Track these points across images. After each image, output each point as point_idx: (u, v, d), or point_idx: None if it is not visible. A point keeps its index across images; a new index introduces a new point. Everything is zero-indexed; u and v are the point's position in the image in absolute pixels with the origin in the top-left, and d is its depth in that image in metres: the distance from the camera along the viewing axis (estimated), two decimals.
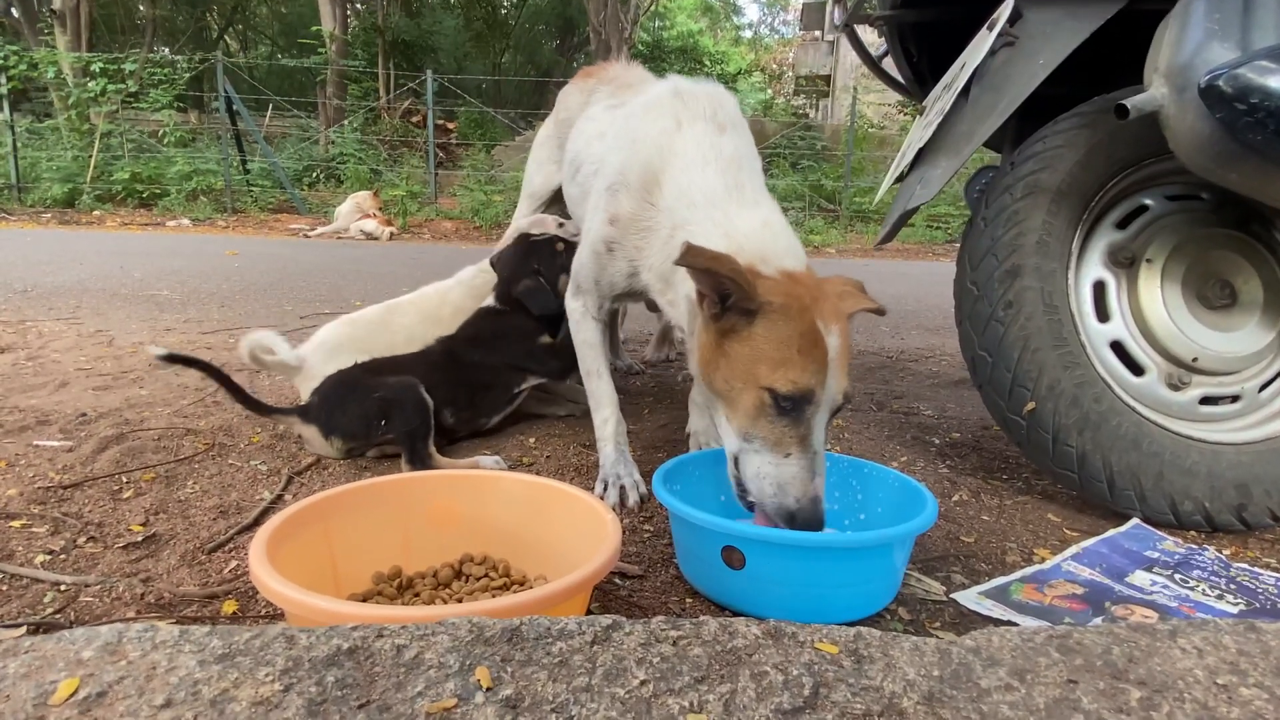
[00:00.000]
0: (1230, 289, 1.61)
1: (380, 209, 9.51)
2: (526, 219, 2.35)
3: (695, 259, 1.20)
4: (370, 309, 2.17)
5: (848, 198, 12.03)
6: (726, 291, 1.24)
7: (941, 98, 1.73)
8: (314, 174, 12.20)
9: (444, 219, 10.86)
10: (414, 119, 13.89)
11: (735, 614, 1.20)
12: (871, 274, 6.69)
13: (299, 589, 0.85)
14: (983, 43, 1.61)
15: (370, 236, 9.01)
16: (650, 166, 1.52)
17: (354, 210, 9.19)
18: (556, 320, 2.08)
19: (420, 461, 1.72)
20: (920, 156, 1.67)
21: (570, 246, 2.13)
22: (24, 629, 0.75)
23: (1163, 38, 1.37)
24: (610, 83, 2.14)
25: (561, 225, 2.24)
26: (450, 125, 14.15)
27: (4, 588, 1.19)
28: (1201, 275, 1.62)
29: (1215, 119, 1.25)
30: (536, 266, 2.07)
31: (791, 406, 1.22)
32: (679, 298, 1.50)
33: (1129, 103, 1.34)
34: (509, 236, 2.28)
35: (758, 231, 1.38)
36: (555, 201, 2.42)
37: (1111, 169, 1.63)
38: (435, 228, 10.42)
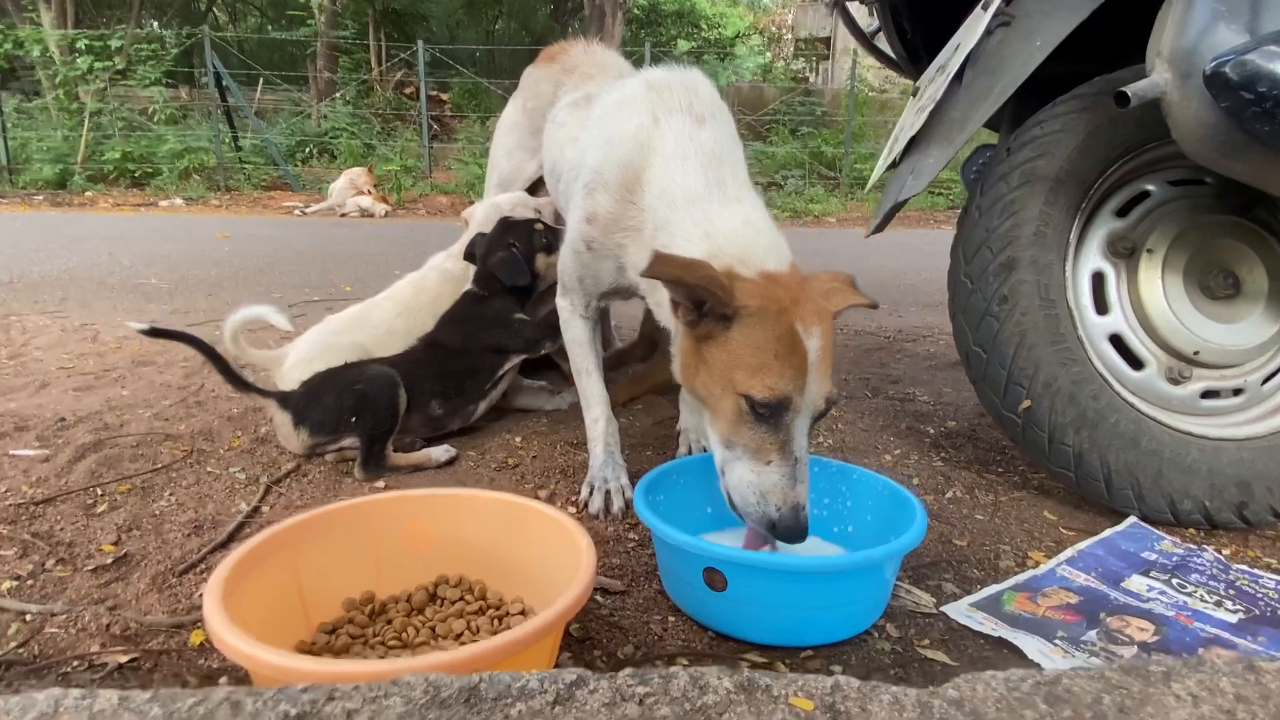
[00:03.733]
0: (1234, 279, 1.55)
1: (375, 185, 9.38)
2: (506, 198, 2.27)
3: (664, 269, 1.15)
4: (348, 309, 2.12)
5: (848, 165, 11.84)
6: (701, 299, 1.19)
7: (935, 80, 1.65)
8: (307, 149, 12.03)
9: (439, 193, 10.72)
10: (406, 90, 13.65)
11: (718, 635, 1.17)
12: (870, 245, 6.59)
13: (250, 641, 0.81)
14: (977, 23, 1.53)
15: (366, 213, 8.91)
16: (630, 165, 1.46)
17: (348, 186, 9.07)
18: (528, 293, 2.08)
19: (375, 462, 1.72)
20: (912, 144, 1.60)
21: (550, 228, 2.09)
22: None
23: (1166, 18, 1.29)
24: (573, 72, 2.06)
25: (539, 212, 2.18)
26: (444, 96, 13.91)
27: None
28: (1204, 265, 1.56)
29: (1220, 108, 1.18)
30: (512, 242, 2.05)
31: (770, 413, 1.18)
32: (664, 299, 1.45)
33: (1130, 90, 1.27)
34: (475, 222, 2.21)
35: (738, 231, 1.33)
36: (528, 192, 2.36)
37: (1112, 154, 1.56)
38: (430, 203, 10.29)
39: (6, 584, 1.25)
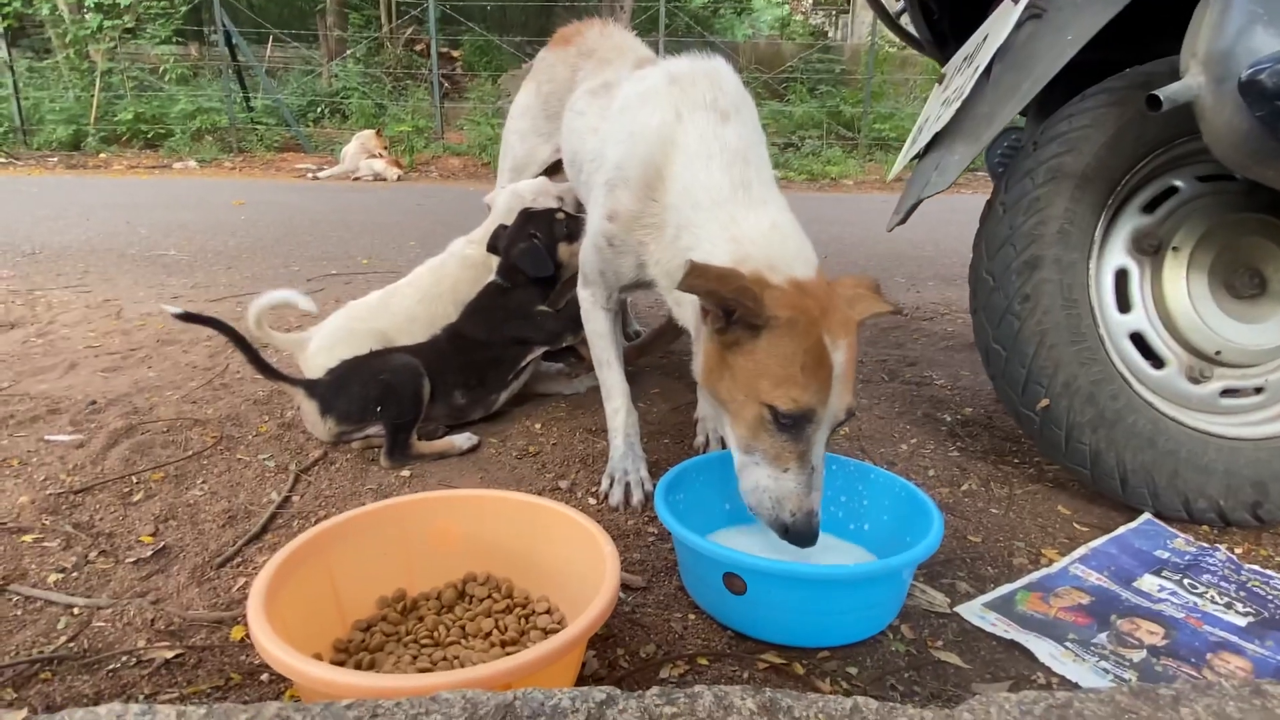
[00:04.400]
0: (1260, 278, 1.54)
1: (386, 148, 9.31)
2: (527, 186, 2.27)
3: (699, 281, 1.16)
4: (370, 295, 2.15)
5: (867, 124, 11.61)
6: (732, 308, 1.20)
7: (963, 71, 1.63)
8: (318, 109, 11.93)
9: (451, 155, 10.63)
10: (417, 48, 13.43)
11: (737, 634, 1.21)
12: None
13: (295, 655, 0.85)
14: (1008, 15, 1.50)
15: (379, 177, 8.88)
16: (651, 161, 1.46)
17: (359, 150, 9.02)
18: (552, 283, 2.09)
19: (400, 451, 1.76)
20: (938, 139, 1.58)
21: (572, 217, 2.09)
22: (25, 711, 0.76)
23: (1202, 19, 1.26)
24: (590, 56, 2.04)
25: (561, 200, 2.18)
26: (455, 54, 13.69)
27: (18, 612, 1.21)
28: (1230, 263, 1.54)
29: (1254, 116, 1.16)
30: (534, 233, 2.05)
31: (792, 424, 1.21)
32: (685, 298, 1.46)
33: (1162, 94, 1.25)
34: (497, 212, 2.21)
35: (766, 235, 1.33)
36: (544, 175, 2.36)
37: (1141, 150, 1.54)
38: (443, 165, 10.22)
39: (53, 577, 1.30)
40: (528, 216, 2.09)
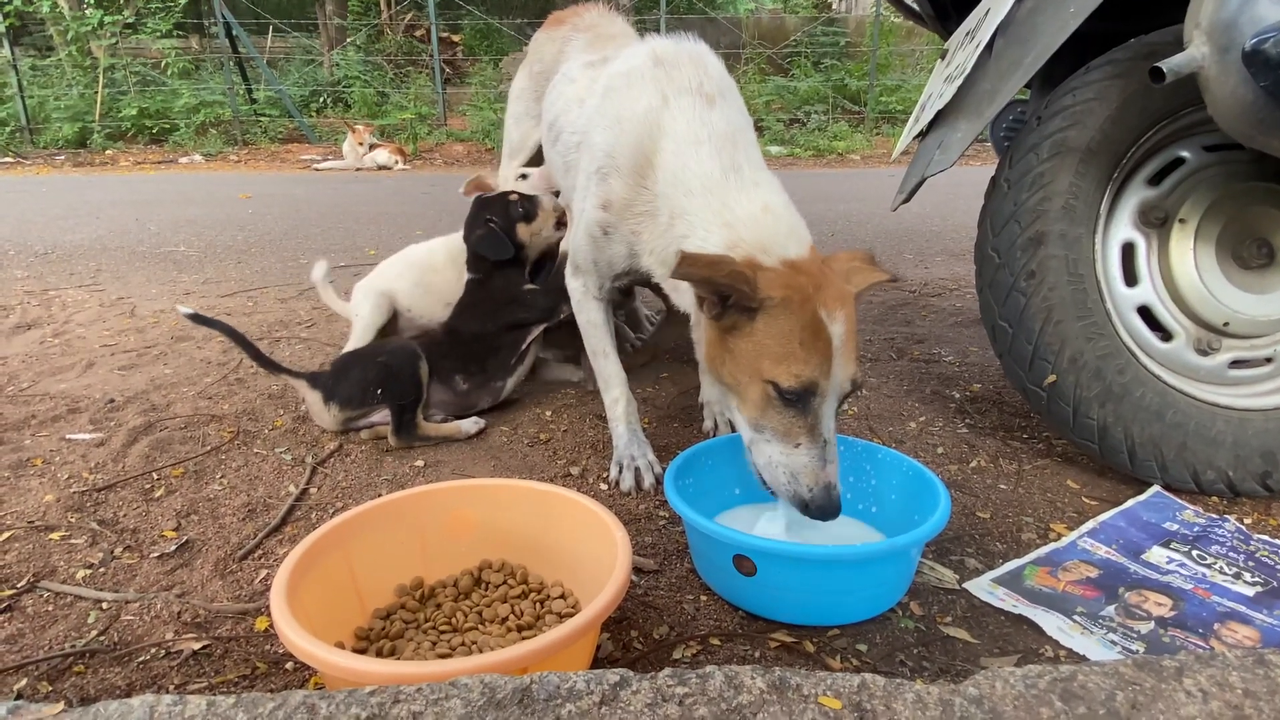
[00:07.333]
0: (1268, 248, 1.53)
1: (370, 133, 9.26)
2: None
3: (690, 270, 1.17)
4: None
5: (873, 98, 11.49)
6: (726, 293, 1.22)
7: (965, 47, 1.62)
8: (321, 99, 11.92)
9: (455, 141, 10.62)
10: (417, 34, 13.37)
11: (748, 615, 1.23)
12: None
13: (319, 645, 0.88)
14: None
15: (383, 167, 8.90)
16: (640, 148, 1.47)
17: (353, 148, 9.06)
18: (519, 264, 2.10)
19: (406, 430, 1.80)
20: (940, 116, 1.58)
21: (525, 197, 2.10)
22: (61, 705, 0.79)
23: None
24: (587, 31, 2.03)
25: (558, 195, 2.18)
26: (455, 38, 13.62)
27: (50, 607, 1.25)
28: (1237, 234, 1.53)
29: (1259, 86, 1.15)
30: (489, 218, 2.07)
31: (796, 398, 1.22)
32: (681, 285, 1.47)
33: (1165, 65, 1.24)
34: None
35: (757, 218, 1.33)
36: (539, 158, 2.37)
37: (1146, 121, 1.53)
38: (446, 152, 10.22)
39: (81, 573, 1.34)
40: (482, 203, 2.11)
